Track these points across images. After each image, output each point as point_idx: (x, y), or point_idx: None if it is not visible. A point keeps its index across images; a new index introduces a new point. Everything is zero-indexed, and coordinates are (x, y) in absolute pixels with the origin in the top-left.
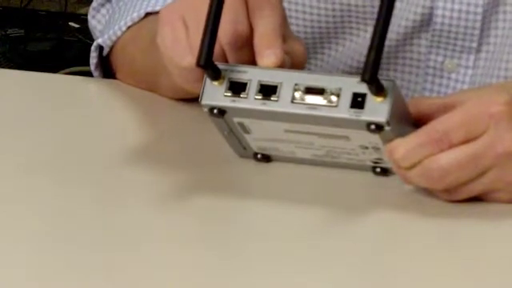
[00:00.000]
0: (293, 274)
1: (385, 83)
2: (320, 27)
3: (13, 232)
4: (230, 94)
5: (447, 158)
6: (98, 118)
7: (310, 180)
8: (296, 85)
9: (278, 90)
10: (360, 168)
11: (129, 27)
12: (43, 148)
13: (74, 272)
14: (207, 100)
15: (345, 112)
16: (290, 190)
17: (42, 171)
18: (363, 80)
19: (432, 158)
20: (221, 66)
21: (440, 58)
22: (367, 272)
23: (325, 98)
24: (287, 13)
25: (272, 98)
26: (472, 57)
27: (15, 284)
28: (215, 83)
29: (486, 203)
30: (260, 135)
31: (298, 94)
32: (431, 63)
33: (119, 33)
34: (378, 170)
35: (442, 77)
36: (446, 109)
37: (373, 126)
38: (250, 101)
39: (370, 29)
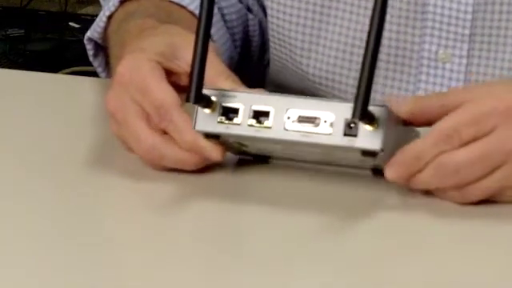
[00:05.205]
0: (292, 274)
1: (377, 112)
2: (307, 10)
3: (13, 232)
4: (222, 120)
5: (460, 156)
6: (98, 118)
7: (309, 181)
8: (288, 111)
9: (270, 116)
10: (360, 168)
11: (109, 17)
12: (43, 148)
13: (75, 273)
14: (201, 127)
15: (338, 140)
16: (290, 191)
17: (41, 171)
18: (354, 117)
19: (445, 154)
20: (210, 92)
21: (434, 48)
22: (367, 273)
23: (318, 126)
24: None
25: (265, 124)
26: (465, 46)
27: (15, 284)
28: (207, 110)
29: (488, 204)
30: (257, 149)
31: (290, 122)
32: (425, 53)
33: (102, 24)
34: (378, 170)
35: (436, 67)
36: (454, 107)
37: (367, 152)
38: (244, 128)
39: (355, 10)
